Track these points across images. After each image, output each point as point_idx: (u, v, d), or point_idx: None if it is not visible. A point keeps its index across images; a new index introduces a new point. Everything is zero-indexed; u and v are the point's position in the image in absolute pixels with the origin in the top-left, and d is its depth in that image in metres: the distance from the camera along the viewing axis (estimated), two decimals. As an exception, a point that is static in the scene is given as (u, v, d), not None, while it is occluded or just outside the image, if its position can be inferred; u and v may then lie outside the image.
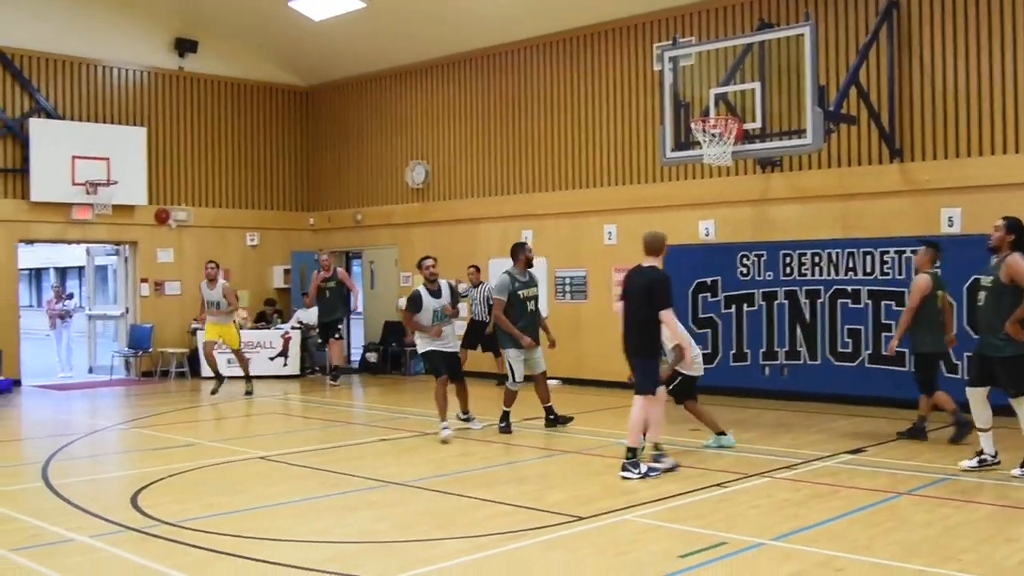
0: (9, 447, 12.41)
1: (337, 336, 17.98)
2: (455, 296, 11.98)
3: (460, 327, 14.52)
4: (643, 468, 9.14)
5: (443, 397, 11.49)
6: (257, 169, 21.63)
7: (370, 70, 20.86)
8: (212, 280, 15.89)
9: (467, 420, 12.35)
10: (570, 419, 12.40)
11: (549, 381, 12.23)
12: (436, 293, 11.68)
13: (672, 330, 9.35)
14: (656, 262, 9.48)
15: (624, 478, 9.07)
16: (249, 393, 16.18)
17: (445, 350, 11.74)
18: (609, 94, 17.13)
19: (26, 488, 9.28)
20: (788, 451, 10.49)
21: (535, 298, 12.22)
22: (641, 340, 9.29)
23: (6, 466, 10.74)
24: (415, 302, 11.64)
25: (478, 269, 17.45)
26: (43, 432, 13.49)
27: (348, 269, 22.12)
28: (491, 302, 14.63)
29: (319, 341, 18.98)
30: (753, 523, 7.42)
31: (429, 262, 11.83)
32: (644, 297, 9.20)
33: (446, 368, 11.67)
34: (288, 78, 22.06)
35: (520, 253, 12.26)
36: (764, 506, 8.00)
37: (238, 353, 16.44)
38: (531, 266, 12.28)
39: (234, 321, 16.27)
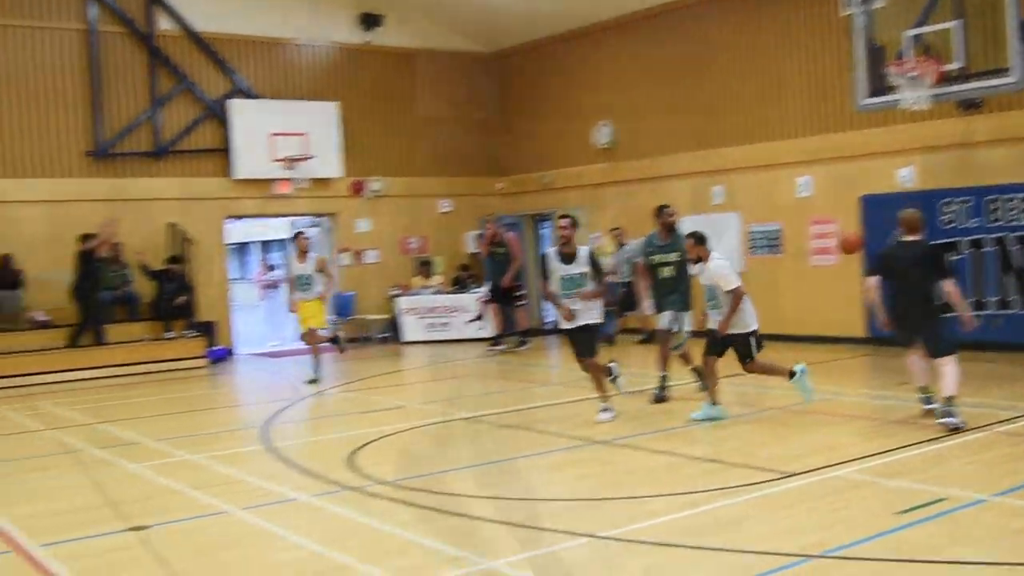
0: (231, 412, 13.11)
1: (520, 303, 18.06)
2: (595, 267, 10.30)
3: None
4: (957, 420, 8.99)
5: (594, 377, 10.68)
6: (446, 137, 21.93)
7: (552, 32, 20.86)
8: (303, 252, 14.55)
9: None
10: (663, 399, 11.39)
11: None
12: (568, 258, 10.25)
13: (957, 299, 9.28)
14: (918, 238, 9.61)
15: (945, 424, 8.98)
16: (313, 382, 14.55)
17: (570, 327, 10.38)
18: (796, 42, 16.69)
19: (250, 451, 9.79)
20: (1004, 404, 10.10)
21: (671, 264, 11.36)
22: (930, 308, 9.41)
23: (230, 430, 11.36)
24: (543, 264, 10.56)
25: (622, 231, 17.41)
26: (259, 398, 14.19)
27: (536, 232, 22.29)
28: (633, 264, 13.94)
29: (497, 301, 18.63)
30: (972, 479, 7.21)
31: (563, 222, 10.39)
32: (925, 268, 9.39)
33: (577, 349, 10.55)
34: (471, 45, 22.27)
35: (657, 217, 11.58)
36: (982, 461, 7.75)
37: (313, 334, 14.77)
38: (671, 231, 11.42)
39: (322, 297, 14.78)
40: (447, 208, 21.80)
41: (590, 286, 10.29)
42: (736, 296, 9.87)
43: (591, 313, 10.32)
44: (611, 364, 10.86)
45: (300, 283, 14.52)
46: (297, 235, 15.15)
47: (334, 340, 17.01)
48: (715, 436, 9.56)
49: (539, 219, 22.34)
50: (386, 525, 6.64)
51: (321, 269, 14.66)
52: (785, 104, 16.90)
